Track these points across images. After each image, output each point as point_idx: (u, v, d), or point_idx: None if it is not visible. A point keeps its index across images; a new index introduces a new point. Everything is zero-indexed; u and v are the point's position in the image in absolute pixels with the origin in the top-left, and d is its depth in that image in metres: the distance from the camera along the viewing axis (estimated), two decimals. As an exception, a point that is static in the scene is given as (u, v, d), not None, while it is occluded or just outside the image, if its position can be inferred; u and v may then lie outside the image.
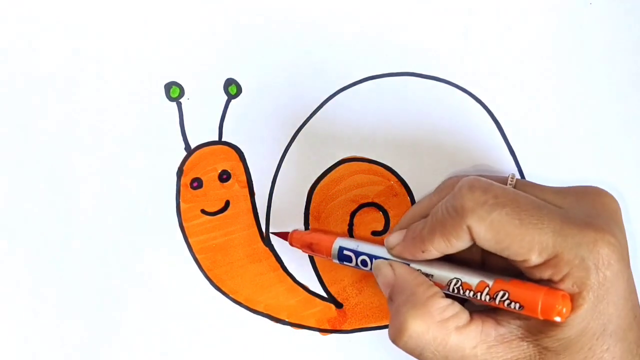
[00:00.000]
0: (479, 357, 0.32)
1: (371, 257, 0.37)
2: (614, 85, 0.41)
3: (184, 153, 0.41)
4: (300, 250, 0.40)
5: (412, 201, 0.41)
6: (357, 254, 0.37)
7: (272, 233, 0.41)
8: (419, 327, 0.32)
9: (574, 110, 0.41)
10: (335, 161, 0.41)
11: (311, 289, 0.41)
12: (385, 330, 0.41)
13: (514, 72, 0.41)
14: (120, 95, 0.41)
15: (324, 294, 0.41)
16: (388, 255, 0.36)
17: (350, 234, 0.41)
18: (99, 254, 0.41)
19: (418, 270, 0.35)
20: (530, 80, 0.41)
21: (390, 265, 0.36)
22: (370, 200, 0.41)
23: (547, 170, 0.41)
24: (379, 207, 0.41)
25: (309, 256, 0.41)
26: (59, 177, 0.41)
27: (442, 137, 0.41)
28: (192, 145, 0.41)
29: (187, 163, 0.41)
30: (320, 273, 0.41)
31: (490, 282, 0.33)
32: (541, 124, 0.41)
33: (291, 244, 0.40)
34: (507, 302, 0.32)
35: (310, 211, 0.41)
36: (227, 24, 0.41)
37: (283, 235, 0.41)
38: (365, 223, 0.41)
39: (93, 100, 0.41)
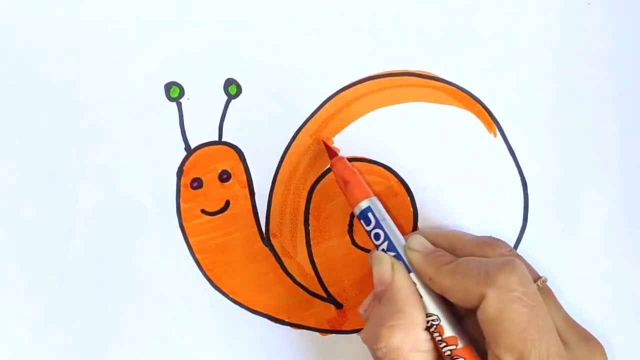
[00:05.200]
0: None
1: (387, 238, 0.36)
2: (613, 84, 0.41)
3: (184, 153, 0.41)
4: (300, 248, 0.40)
5: (412, 201, 0.41)
6: (378, 224, 0.37)
7: (323, 142, 0.40)
8: (395, 345, 0.33)
9: (573, 110, 0.41)
10: (335, 161, 0.41)
11: (311, 289, 0.41)
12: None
13: (513, 72, 0.41)
14: (120, 95, 0.41)
15: (324, 295, 0.41)
16: (400, 247, 0.36)
17: (351, 234, 0.41)
18: (99, 253, 0.41)
19: (414, 283, 0.35)
20: (530, 80, 0.41)
21: (392, 266, 0.36)
22: (370, 200, 0.41)
23: (547, 170, 0.41)
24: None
25: (309, 256, 0.41)
26: (59, 177, 0.41)
27: (442, 137, 0.41)
28: (192, 145, 0.41)
29: (187, 163, 0.41)
30: (320, 273, 0.41)
31: (461, 344, 0.34)
32: (541, 124, 0.41)
33: (331, 167, 0.39)
34: None
35: (310, 211, 0.41)
36: (227, 24, 0.41)
37: (331, 153, 0.39)
38: (365, 223, 0.41)
39: (93, 100, 0.41)
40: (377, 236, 0.37)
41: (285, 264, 0.41)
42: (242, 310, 0.41)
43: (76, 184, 0.41)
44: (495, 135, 0.41)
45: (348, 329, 0.41)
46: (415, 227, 0.41)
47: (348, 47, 0.41)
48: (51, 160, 0.41)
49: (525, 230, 0.41)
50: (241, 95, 0.41)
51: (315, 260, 0.41)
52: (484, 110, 0.41)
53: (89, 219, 0.41)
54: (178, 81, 0.41)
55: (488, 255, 0.35)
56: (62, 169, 0.41)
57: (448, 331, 0.34)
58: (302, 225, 0.41)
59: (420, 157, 0.41)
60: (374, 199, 0.38)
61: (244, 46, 0.41)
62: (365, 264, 0.41)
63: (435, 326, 0.34)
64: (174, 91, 0.41)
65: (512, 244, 0.41)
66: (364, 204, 0.37)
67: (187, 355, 0.41)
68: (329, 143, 0.41)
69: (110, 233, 0.41)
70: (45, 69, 0.41)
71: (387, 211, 0.40)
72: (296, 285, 0.41)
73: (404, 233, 0.41)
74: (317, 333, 0.41)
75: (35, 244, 0.41)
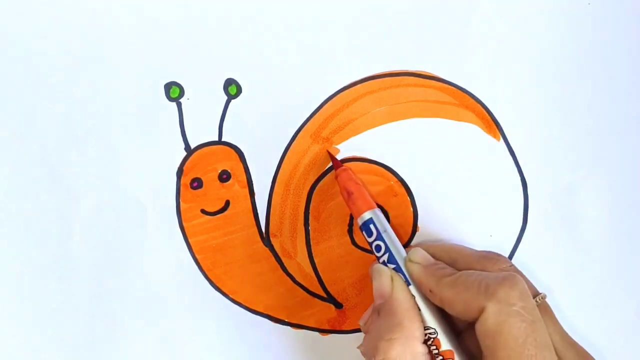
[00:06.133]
0: None
1: (388, 250, 0.37)
2: (613, 84, 0.41)
3: (184, 153, 0.41)
4: (300, 248, 0.40)
5: (412, 201, 0.41)
6: (379, 236, 0.37)
7: (329, 153, 0.40)
8: (393, 358, 0.33)
9: (573, 110, 0.41)
10: (335, 161, 0.41)
11: (311, 289, 0.41)
12: (385, 331, 0.41)
13: (513, 72, 0.41)
14: (120, 95, 0.41)
15: (324, 295, 0.41)
16: (400, 259, 0.36)
17: (351, 234, 0.41)
18: (99, 253, 0.41)
19: (413, 296, 0.35)
20: (530, 80, 0.41)
21: (392, 279, 0.36)
22: (370, 201, 0.41)
23: (547, 170, 0.41)
24: (379, 207, 0.41)
25: (309, 256, 0.41)
26: (59, 177, 0.41)
27: (442, 137, 0.41)
28: (192, 145, 0.41)
29: (187, 163, 0.41)
30: (320, 273, 0.41)
31: (457, 358, 0.34)
32: (541, 124, 0.41)
33: (335, 178, 0.39)
34: None
35: (310, 211, 0.41)
36: (227, 24, 0.41)
37: (336, 163, 0.40)
38: (365, 223, 0.41)
39: (93, 100, 0.41)
40: (378, 248, 0.37)
41: (285, 264, 0.41)
42: (242, 310, 0.41)
43: (76, 184, 0.41)
44: (494, 136, 0.41)
45: (348, 329, 0.41)
46: (415, 227, 0.41)
47: (348, 47, 0.41)
48: (51, 160, 0.41)
49: (525, 230, 0.41)
50: (241, 95, 0.41)
51: (315, 260, 0.41)
52: (484, 111, 0.41)
53: (89, 218, 0.41)
54: (178, 81, 0.41)
55: (488, 269, 0.35)
56: (62, 169, 0.41)
57: (445, 345, 0.34)
58: (302, 225, 0.41)
59: (420, 157, 0.41)
60: (377, 210, 0.38)
61: (244, 46, 0.41)
62: (365, 264, 0.41)
63: (432, 339, 0.34)
64: (174, 91, 0.41)
65: (512, 244, 0.41)
66: (366, 216, 0.37)
67: (187, 355, 0.41)
68: (329, 143, 0.41)
69: (111, 233, 0.41)
70: (45, 69, 0.41)
71: (389, 219, 0.40)
72: (296, 285, 0.41)
73: (404, 235, 0.41)
74: (317, 333, 0.41)
75: (36, 244, 0.41)
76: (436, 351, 0.34)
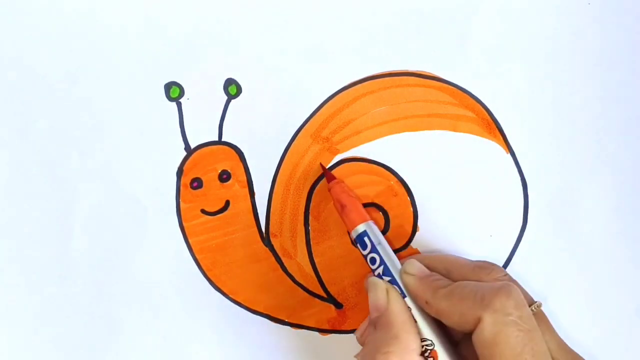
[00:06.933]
0: None
1: (383, 262, 0.37)
2: (612, 84, 0.41)
3: (184, 153, 0.41)
4: (300, 248, 0.40)
5: (412, 201, 0.41)
6: (374, 248, 0.37)
7: (322, 166, 0.40)
8: None
9: (573, 109, 0.41)
10: (335, 161, 0.41)
11: (311, 289, 0.41)
12: (385, 331, 0.41)
13: (513, 72, 0.41)
14: (120, 95, 0.41)
15: (324, 294, 0.41)
16: (396, 271, 0.36)
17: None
18: (99, 253, 0.41)
19: (409, 308, 0.35)
20: (530, 80, 0.41)
21: (387, 292, 0.36)
22: (370, 201, 0.41)
23: (547, 170, 0.41)
24: (379, 207, 0.41)
25: (309, 256, 0.41)
26: (59, 177, 0.41)
27: (442, 137, 0.41)
28: (192, 145, 0.41)
29: (187, 163, 0.41)
30: (320, 273, 0.41)
31: None
32: (541, 123, 0.41)
33: (328, 190, 0.39)
34: None
35: (310, 211, 0.41)
36: (227, 24, 0.41)
37: (329, 177, 0.40)
38: (365, 223, 0.41)
39: (93, 100, 0.41)
40: (373, 260, 0.37)
41: (285, 264, 0.41)
42: (242, 310, 0.41)
43: (76, 184, 0.41)
44: (494, 136, 0.41)
45: (348, 329, 0.41)
46: (415, 227, 0.41)
47: (348, 47, 0.41)
48: (51, 160, 0.41)
49: (525, 230, 0.41)
50: (241, 95, 0.41)
51: (315, 260, 0.41)
52: (484, 110, 0.41)
53: (89, 218, 0.41)
54: (178, 81, 0.41)
55: (483, 279, 0.35)
56: (62, 169, 0.41)
57: (442, 356, 0.34)
58: (302, 225, 0.41)
59: (420, 157, 0.41)
60: (371, 223, 0.38)
61: (244, 46, 0.41)
62: (365, 264, 0.41)
63: (429, 351, 0.34)
64: (174, 91, 0.41)
65: (512, 244, 0.41)
66: (360, 228, 0.38)
67: (187, 355, 0.41)
68: (329, 143, 0.41)
69: (111, 233, 0.41)
70: (45, 69, 0.41)
71: (388, 220, 0.40)
72: (296, 285, 0.41)
73: (404, 235, 0.41)
74: (317, 333, 0.41)
75: (36, 244, 0.41)
76: None
